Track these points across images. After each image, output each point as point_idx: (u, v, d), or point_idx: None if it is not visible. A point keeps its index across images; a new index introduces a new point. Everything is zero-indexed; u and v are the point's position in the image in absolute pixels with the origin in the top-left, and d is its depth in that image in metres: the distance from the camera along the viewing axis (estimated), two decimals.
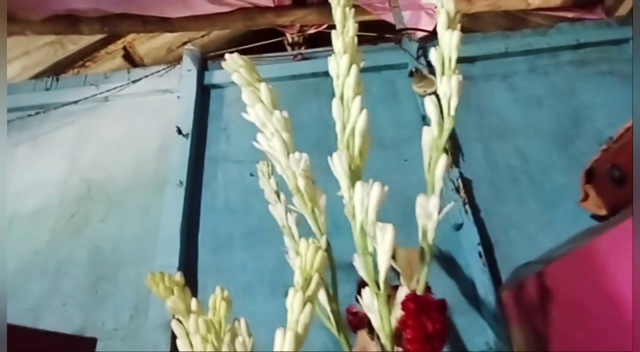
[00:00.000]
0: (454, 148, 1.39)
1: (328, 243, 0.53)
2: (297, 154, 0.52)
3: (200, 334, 0.49)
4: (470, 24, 2.54)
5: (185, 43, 2.83)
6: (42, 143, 1.50)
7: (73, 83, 1.63)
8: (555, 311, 0.68)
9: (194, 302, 0.56)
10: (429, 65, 1.55)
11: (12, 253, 1.28)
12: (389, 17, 1.88)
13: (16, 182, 1.42)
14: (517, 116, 1.45)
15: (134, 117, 1.55)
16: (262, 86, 0.53)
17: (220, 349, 0.49)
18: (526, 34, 1.67)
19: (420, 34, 1.73)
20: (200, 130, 1.48)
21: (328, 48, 1.71)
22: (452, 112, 0.51)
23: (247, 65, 0.53)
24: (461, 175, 1.33)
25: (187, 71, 1.57)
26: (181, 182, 1.31)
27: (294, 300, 0.47)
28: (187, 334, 0.53)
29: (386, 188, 0.48)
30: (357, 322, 0.59)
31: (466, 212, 1.24)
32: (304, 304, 0.46)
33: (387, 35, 1.72)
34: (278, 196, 0.78)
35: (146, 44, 2.81)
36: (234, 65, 0.53)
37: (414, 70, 1.50)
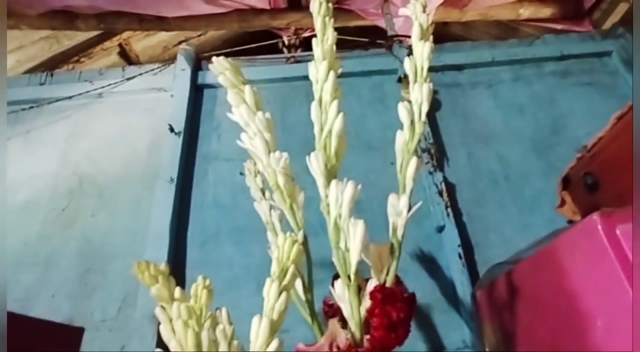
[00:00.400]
0: (439, 153, 1.43)
1: (305, 237, 0.57)
2: (277, 153, 0.55)
3: (181, 319, 0.52)
4: (463, 32, 2.59)
5: (181, 42, 2.85)
6: (35, 137, 1.52)
7: (67, 79, 1.66)
8: (521, 308, 0.72)
9: (177, 291, 0.59)
10: None
11: (2, 244, 1.30)
12: (381, 23, 1.92)
13: (8, 175, 1.43)
14: (500, 123, 1.50)
15: (126, 114, 1.57)
16: (247, 88, 0.56)
17: (201, 334, 0.52)
18: (513, 44, 1.72)
19: (411, 41, 1.76)
20: (192, 129, 1.51)
21: None
22: (423, 117, 0.55)
23: (233, 68, 0.56)
24: (445, 179, 1.37)
25: (181, 70, 1.60)
26: (172, 179, 1.34)
27: (270, 289, 0.50)
28: (170, 321, 0.56)
29: (359, 187, 0.52)
30: (333, 313, 0.62)
31: (448, 215, 1.28)
32: (280, 293, 0.50)
33: (379, 41, 1.76)
34: (263, 194, 0.82)
35: (142, 42, 2.83)
36: (220, 68, 0.56)
37: (402, 76, 1.54)
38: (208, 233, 1.32)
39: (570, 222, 1.22)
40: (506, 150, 1.43)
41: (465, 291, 1.17)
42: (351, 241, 0.51)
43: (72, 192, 1.40)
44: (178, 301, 0.57)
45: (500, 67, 1.65)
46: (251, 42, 1.97)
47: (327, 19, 0.55)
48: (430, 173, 1.36)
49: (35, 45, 2.40)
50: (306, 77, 1.74)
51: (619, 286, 0.50)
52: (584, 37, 1.76)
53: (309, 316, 0.56)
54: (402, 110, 0.55)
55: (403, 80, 1.53)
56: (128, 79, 1.61)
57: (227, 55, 1.71)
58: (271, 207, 0.77)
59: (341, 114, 0.53)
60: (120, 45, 2.73)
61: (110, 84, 1.58)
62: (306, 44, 2.44)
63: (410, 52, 1.67)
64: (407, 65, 0.56)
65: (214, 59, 0.56)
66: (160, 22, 2.08)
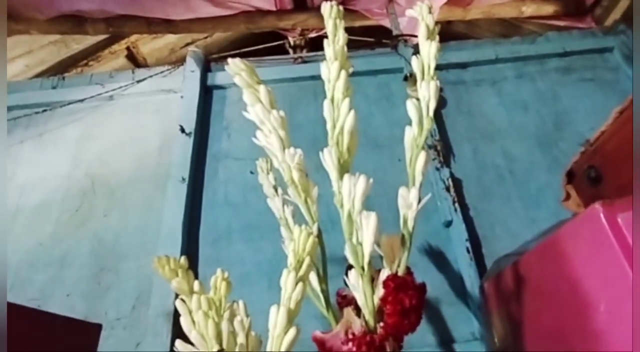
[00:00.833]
0: (445, 149, 1.45)
1: (319, 230, 0.59)
2: (292, 149, 0.58)
3: (202, 310, 0.54)
4: (467, 31, 2.61)
5: (187, 44, 2.89)
6: (48, 140, 1.56)
7: (79, 82, 1.69)
8: (528, 297, 0.75)
9: (196, 283, 0.61)
10: None
11: (16, 244, 1.33)
12: (386, 23, 1.94)
13: (21, 177, 1.47)
14: (505, 119, 1.52)
15: (137, 116, 1.60)
16: (262, 88, 0.59)
17: (220, 325, 0.54)
18: (516, 41, 1.74)
19: (416, 40, 1.79)
20: (202, 129, 1.54)
21: None
22: (431, 113, 0.57)
23: (248, 69, 0.59)
24: (452, 175, 1.39)
25: (191, 72, 1.63)
26: (184, 179, 1.37)
27: (287, 279, 0.52)
28: (190, 313, 0.58)
29: (371, 180, 0.55)
30: (346, 304, 0.64)
31: (455, 210, 1.31)
32: (296, 283, 0.52)
33: (384, 41, 1.78)
34: (276, 190, 0.84)
35: (149, 45, 2.87)
36: (236, 69, 0.59)
37: (408, 74, 1.57)
38: (220, 231, 1.35)
39: (575, 215, 1.24)
40: (511, 146, 1.46)
41: (474, 284, 1.19)
42: (364, 232, 0.53)
43: (84, 193, 1.43)
44: (197, 293, 0.59)
45: (504, 64, 1.67)
46: (257, 43, 2.00)
47: (337, 21, 0.58)
48: (437, 169, 1.38)
49: (44, 50, 2.44)
50: (313, 77, 1.78)
51: (621, 272, 0.52)
52: (586, 33, 1.78)
53: (324, 305, 0.59)
54: (410, 107, 0.58)
55: (409, 78, 1.55)
56: (138, 81, 1.64)
57: (234, 56, 1.74)
58: (284, 203, 0.79)
59: (352, 111, 0.56)
60: (128, 48, 2.77)
61: (121, 87, 1.62)
62: (312, 45, 2.47)
63: (416, 51, 1.70)
64: (415, 64, 0.58)
65: (229, 60, 0.59)
66: (167, 25, 2.11)
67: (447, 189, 1.35)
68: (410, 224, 0.56)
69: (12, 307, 0.74)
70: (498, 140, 1.47)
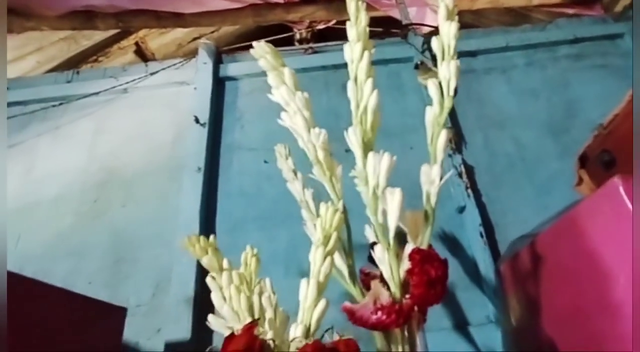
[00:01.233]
0: (457, 136, 1.46)
1: (344, 207, 0.61)
2: (316, 129, 0.59)
3: (234, 284, 0.56)
4: (474, 21, 2.61)
5: (195, 39, 2.92)
6: (64, 133, 1.58)
7: (93, 76, 1.71)
8: (544, 276, 0.76)
9: (225, 261, 0.63)
10: (433, 58, 1.62)
11: (37, 235, 1.36)
12: (395, 13, 1.95)
13: (39, 170, 1.50)
14: (515, 107, 1.53)
15: (150, 108, 1.62)
16: (286, 70, 0.60)
17: (252, 299, 0.56)
18: (525, 29, 1.74)
19: (425, 29, 1.80)
20: (216, 120, 1.56)
21: (337, 42, 1.79)
22: (451, 93, 0.58)
23: (273, 52, 0.60)
24: (464, 162, 1.40)
25: (203, 64, 1.65)
26: (199, 168, 1.39)
27: (316, 254, 0.54)
28: (220, 289, 0.60)
29: (394, 158, 0.56)
30: (369, 281, 0.66)
31: (468, 195, 1.32)
32: (325, 257, 0.54)
33: (394, 30, 1.79)
34: (295, 174, 0.86)
35: (157, 40, 2.89)
36: (261, 52, 0.60)
37: (419, 63, 1.58)
38: (235, 220, 1.37)
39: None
40: (521, 133, 1.47)
41: (488, 269, 1.20)
42: (389, 207, 0.55)
43: (101, 185, 1.46)
44: (227, 270, 0.61)
45: (514, 52, 1.68)
46: (263, 37, 2.01)
47: (360, 3, 0.59)
48: (450, 156, 1.39)
49: (54, 46, 2.47)
50: (324, 67, 1.79)
51: None
52: (596, 20, 1.78)
53: (349, 281, 0.61)
54: (431, 86, 0.59)
55: (420, 67, 1.56)
56: (151, 74, 1.66)
57: (245, 48, 1.74)
58: (304, 186, 0.81)
59: (376, 91, 0.57)
60: (136, 43, 2.80)
61: (134, 80, 1.64)
62: (319, 37, 2.48)
63: (425, 40, 1.71)
64: (435, 44, 0.60)
65: (254, 43, 0.60)
66: (176, 19, 2.13)
67: (460, 175, 1.36)
68: (433, 199, 0.58)
69: (43, 286, 0.76)
70: (509, 128, 1.48)
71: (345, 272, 0.62)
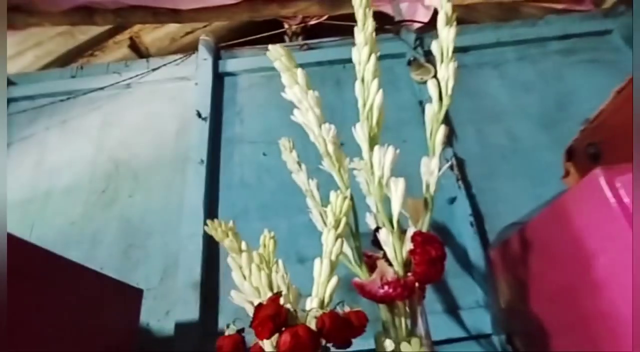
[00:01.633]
0: (448, 130, 1.52)
1: (351, 195, 0.67)
2: (327, 124, 0.65)
3: (255, 263, 0.62)
4: (465, 15, 2.66)
5: (187, 33, 2.94)
6: (71, 126, 1.63)
7: (97, 71, 1.76)
8: (533, 260, 0.83)
9: (244, 243, 0.69)
10: (426, 54, 1.68)
11: (50, 224, 1.41)
12: (387, 9, 2.00)
13: (49, 162, 1.55)
14: (507, 101, 1.59)
15: (153, 103, 1.67)
16: (299, 71, 0.66)
17: (271, 277, 0.62)
18: (516, 25, 1.81)
19: (417, 25, 1.85)
20: (216, 114, 1.61)
21: (332, 39, 1.84)
22: (450, 92, 0.65)
23: (287, 54, 0.66)
24: (455, 154, 1.46)
25: (203, 60, 1.70)
26: (202, 161, 1.45)
27: (328, 236, 0.61)
28: (240, 268, 0.66)
29: (398, 151, 0.63)
30: (371, 262, 0.73)
31: (459, 187, 1.38)
32: (336, 239, 0.60)
33: (387, 27, 1.84)
34: (300, 166, 0.92)
35: (151, 34, 2.92)
36: (276, 54, 0.66)
37: (411, 59, 1.64)
38: (237, 210, 1.43)
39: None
40: (514, 126, 1.53)
41: (478, 256, 1.27)
42: (393, 194, 0.61)
43: (109, 176, 1.51)
44: (247, 251, 0.67)
45: (505, 47, 1.74)
46: (255, 31, 2.06)
47: (367, 9, 0.65)
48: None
49: (52, 41, 2.50)
50: (319, 63, 1.85)
51: (619, 228, 0.60)
52: (586, 16, 1.84)
53: (356, 262, 0.67)
54: (431, 86, 0.65)
55: (412, 63, 1.62)
56: (153, 69, 1.70)
57: (242, 44, 1.79)
58: (309, 177, 0.87)
59: (380, 90, 0.63)
60: (131, 38, 2.82)
61: (137, 75, 1.68)
62: (309, 33, 2.51)
63: (418, 36, 1.76)
64: (434, 47, 0.66)
65: (270, 46, 0.66)
66: (173, 15, 2.16)
67: (451, 168, 1.42)
68: (432, 188, 0.64)
69: (65, 262, 0.81)
70: (501, 121, 1.54)
71: (351, 255, 0.69)
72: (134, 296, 1.01)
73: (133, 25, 2.68)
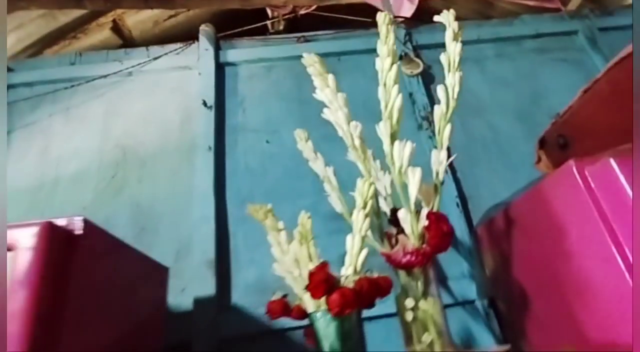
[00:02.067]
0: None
1: (373, 182, 0.80)
2: (354, 122, 0.78)
3: (297, 239, 0.74)
4: (444, 7, 2.79)
5: (170, 17, 2.96)
6: (75, 114, 1.68)
7: (96, 59, 1.80)
8: (515, 237, 0.98)
9: (280, 223, 0.81)
10: (415, 49, 1.81)
11: (61, 210, 1.47)
12: (377, 4, 2.11)
13: (55, 149, 1.60)
14: (487, 95, 1.75)
15: (157, 92, 1.74)
16: (330, 76, 0.78)
17: (310, 249, 0.75)
18: (495, 24, 1.96)
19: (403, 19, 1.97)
20: (219, 103, 1.69)
21: (328, 32, 1.93)
22: (456, 96, 0.78)
23: (320, 61, 0.78)
24: None
25: (205, 50, 1.77)
26: (210, 147, 1.54)
27: (358, 215, 0.73)
28: (278, 244, 0.78)
29: (414, 145, 0.76)
30: (389, 238, 0.86)
31: (446, 171, 1.53)
32: (365, 218, 0.73)
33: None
34: (316, 154, 1.03)
35: (134, 17, 2.91)
36: (310, 61, 0.77)
37: (403, 54, 1.76)
38: (243, 195, 1.53)
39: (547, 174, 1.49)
40: (494, 118, 1.69)
41: (463, 233, 1.43)
42: (410, 181, 0.74)
43: (117, 163, 1.58)
44: (283, 229, 0.79)
45: (485, 44, 1.89)
46: (237, 18, 2.13)
47: (389, 26, 0.77)
48: (430, 137, 1.60)
49: (33, 23, 2.48)
50: (317, 56, 1.92)
51: (588, 212, 0.75)
52: (556, 17, 2.01)
53: (378, 238, 0.80)
54: (440, 91, 0.78)
55: (403, 57, 1.75)
56: (154, 58, 1.77)
57: (242, 34, 1.87)
58: (325, 164, 0.99)
59: (400, 94, 0.76)
60: (114, 21, 2.82)
61: (139, 63, 1.74)
62: (291, 25, 2.58)
63: (407, 32, 1.88)
64: (443, 59, 0.79)
65: (305, 55, 0.77)
66: (164, 1, 2.20)
67: None
68: (440, 176, 0.78)
69: (105, 236, 0.90)
70: (482, 114, 1.70)
71: (373, 231, 0.82)
72: (161, 272, 1.12)
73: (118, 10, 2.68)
